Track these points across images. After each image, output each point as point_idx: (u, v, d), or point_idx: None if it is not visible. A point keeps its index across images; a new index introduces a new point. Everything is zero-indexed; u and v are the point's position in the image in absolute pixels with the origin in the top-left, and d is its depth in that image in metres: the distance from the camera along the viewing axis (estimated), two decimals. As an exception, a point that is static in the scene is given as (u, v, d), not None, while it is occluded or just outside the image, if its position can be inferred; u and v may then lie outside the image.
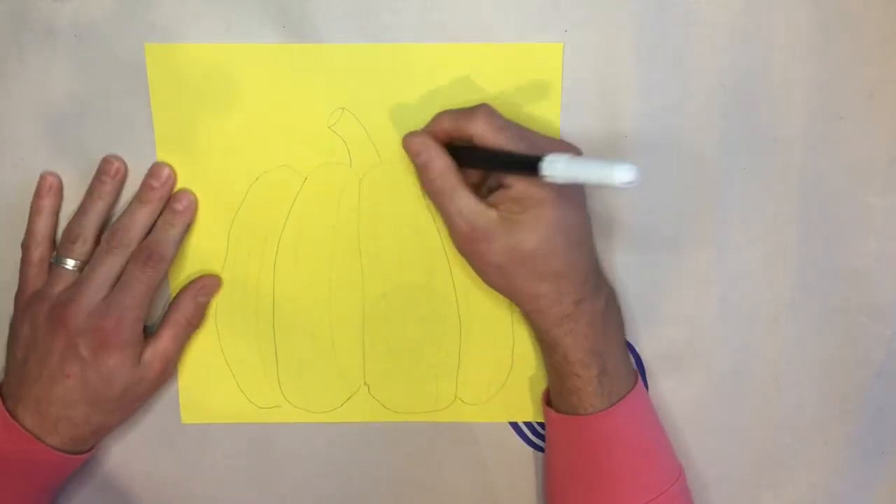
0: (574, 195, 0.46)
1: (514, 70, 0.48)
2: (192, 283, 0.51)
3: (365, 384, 0.53)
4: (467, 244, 0.46)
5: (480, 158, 0.46)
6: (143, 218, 0.49)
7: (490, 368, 0.53)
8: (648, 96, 0.49)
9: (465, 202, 0.45)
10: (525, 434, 0.54)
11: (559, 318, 0.46)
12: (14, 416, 0.48)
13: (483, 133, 0.45)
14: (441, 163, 0.46)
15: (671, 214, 0.51)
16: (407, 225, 0.51)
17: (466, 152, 0.46)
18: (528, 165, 0.42)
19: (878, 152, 0.49)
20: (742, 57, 0.48)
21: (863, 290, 0.51)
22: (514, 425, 0.54)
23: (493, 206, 0.45)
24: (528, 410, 0.53)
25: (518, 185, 0.44)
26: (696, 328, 0.52)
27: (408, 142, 0.47)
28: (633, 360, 0.53)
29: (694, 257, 0.51)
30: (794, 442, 0.54)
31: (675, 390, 0.53)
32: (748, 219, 0.51)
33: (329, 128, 0.49)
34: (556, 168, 0.40)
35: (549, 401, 0.51)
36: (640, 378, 0.50)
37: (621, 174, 0.37)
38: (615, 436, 0.47)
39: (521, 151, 0.44)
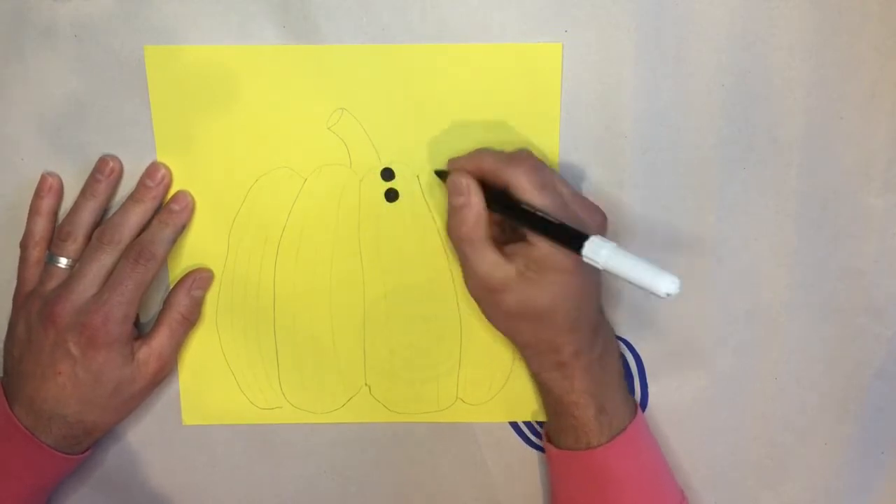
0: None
1: (514, 70, 0.48)
2: (184, 277, 0.51)
3: (366, 385, 0.53)
4: (481, 291, 0.47)
5: (517, 213, 0.44)
6: (135, 216, 0.48)
7: (491, 368, 0.53)
8: (648, 96, 0.49)
9: (488, 255, 0.45)
10: (525, 434, 0.54)
11: (554, 365, 0.47)
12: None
13: (523, 188, 0.44)
14: (475, 212, 0.45)
15: (671, 214, 0.51)
16: (407, 225, 0.51)
17: (501, 198, 0.45)
18: (567, 239, 0.40)
19: (878, 152, 0.49)
20: (742, 57, 0.48)
21: (863, 290, 0.51)
22: (514, 425, 0.54)
23: (512, 257, 0.45)
24: (528, 410, 0.53)
25: (543, 247, 0.44)
26: (696, 328, 0.52)
27: (454, 181, 0.46)
28: (634, 360, 0.53)
29: (694, 257, 0.51)
30: (794, 442, 0.54)
31: (675, 390, 0.53)
32: (748, 219, 0.51)
33: (329, 129, 0.49)
34: (598, 254, 0.39)
35: (549, 437, 0.51)
36: (639, 409, 0.50)
37: (667, 285, 0.35)
38: (616, 468, 0.48)
39: (560, 218, 0.43)
